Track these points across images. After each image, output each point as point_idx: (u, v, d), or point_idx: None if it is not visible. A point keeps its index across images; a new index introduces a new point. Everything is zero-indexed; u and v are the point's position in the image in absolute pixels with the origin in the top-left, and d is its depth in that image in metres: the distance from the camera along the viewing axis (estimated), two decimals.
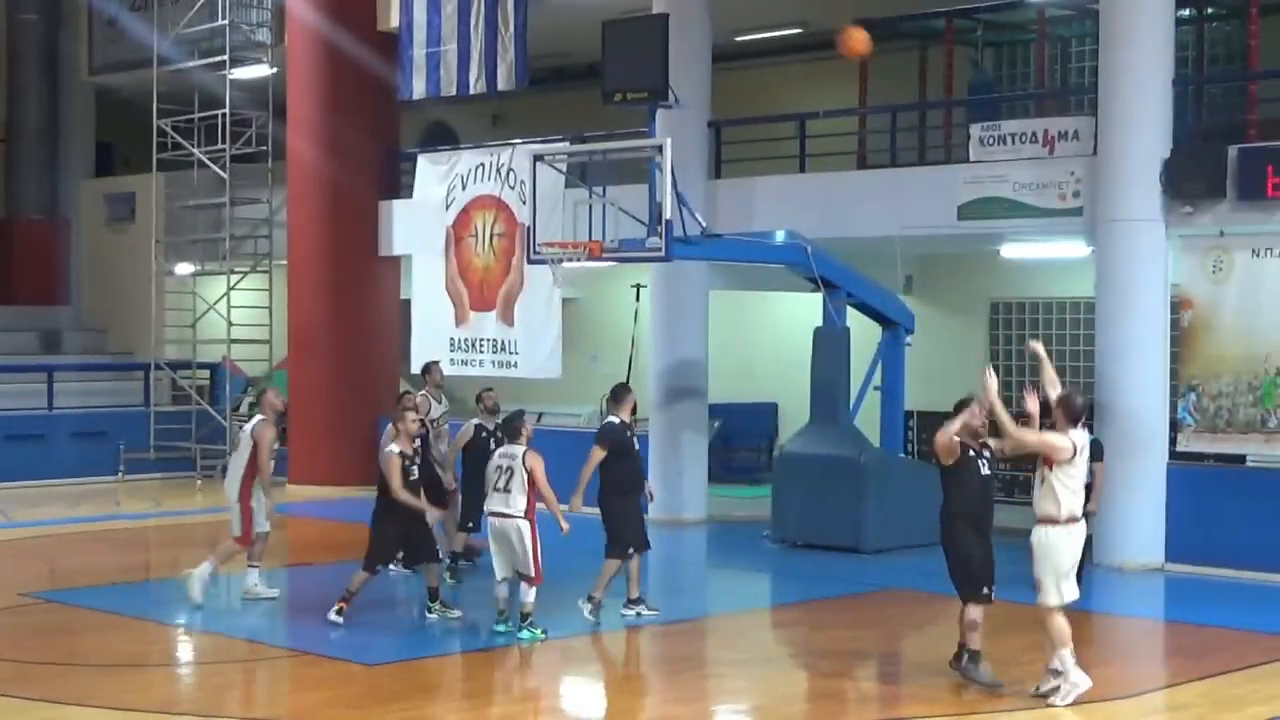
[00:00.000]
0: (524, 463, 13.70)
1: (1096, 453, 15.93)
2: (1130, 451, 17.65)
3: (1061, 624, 11.72)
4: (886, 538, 18.66)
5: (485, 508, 14.07)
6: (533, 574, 13.66)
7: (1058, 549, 11.71)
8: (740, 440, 25.93)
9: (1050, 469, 11.79)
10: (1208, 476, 18.17)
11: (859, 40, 13.86)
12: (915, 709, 11.72)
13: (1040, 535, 11.79)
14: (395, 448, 14.34)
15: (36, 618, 15.18)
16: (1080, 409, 12.10)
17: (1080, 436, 11.96)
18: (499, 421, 16.21)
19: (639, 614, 14.86)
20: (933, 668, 12.57)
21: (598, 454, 14.81)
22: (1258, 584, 16.84)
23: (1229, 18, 22.24)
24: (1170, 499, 17.78)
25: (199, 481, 26.12)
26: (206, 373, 28.20)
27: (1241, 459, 18.67)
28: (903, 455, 20.42)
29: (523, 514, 13.66)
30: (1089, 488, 16.10)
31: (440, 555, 15.22)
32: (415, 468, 14.52)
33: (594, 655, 13.98)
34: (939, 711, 11.55)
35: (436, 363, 19.13)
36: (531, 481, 13.64)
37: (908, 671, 13.16)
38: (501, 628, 13.93)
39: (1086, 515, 16.18)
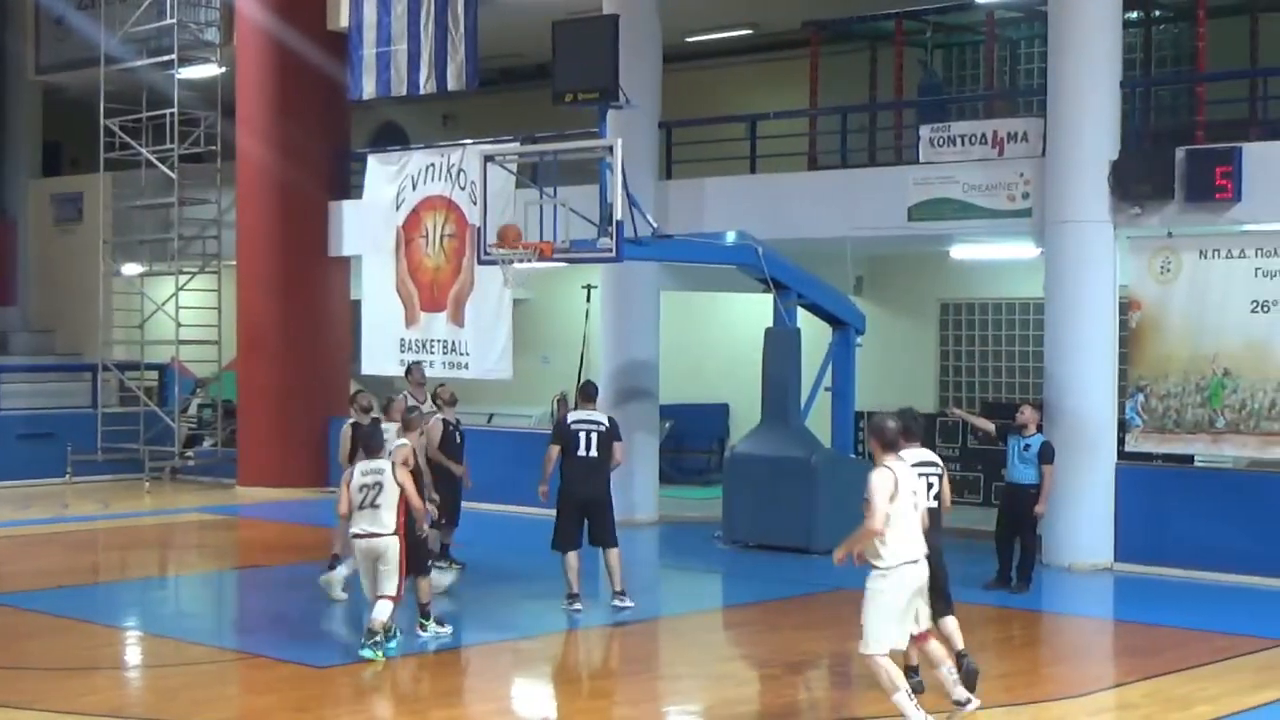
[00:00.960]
0: (394, 478, 13.15)
1: (1045, 455, 16.31)
2: (1079, 452, 17.74)
3: (888, 668, 10.74)
4: (837, 538, 18.43)
5: (351, 527, 13.25)
6: (394, 593, 13.09)
7: (877, 595, 10.70)
8: (691, 441, 25.94)
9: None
10: (1156, 476, 18.28)
11: None
12: (866, 710, 11.73)
13: (867, 580, 10.82)
14: (406, 440, 14.09)
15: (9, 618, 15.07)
16: (892, 433, 10.78)
17: (904, 462, 10.86)
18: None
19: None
20: None
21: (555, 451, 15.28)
22: (1206, 584, 16.95)
23: (1176, 20, 22.39)
24: (1119, 499, 17.88)
25: (147, 483, 25.95)
26: (155, 374, 28.04)
27: (1190, 459, 18.80)
28: (853, 456, 20.46)
29: (393, 532, 13.10)
30: (1038, 489, 16.13)
31: (428, 567, 14.37)
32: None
33: (545, 657, 13.95)
34: (889, 712, 11.55)
35: (419, 363, 19.10)
36: (403, 497, 13.12)
37: (859, 673, 13.16)
38: (393, 644, 13.25)
39: (1035, 516, 16.32)
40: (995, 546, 16.61)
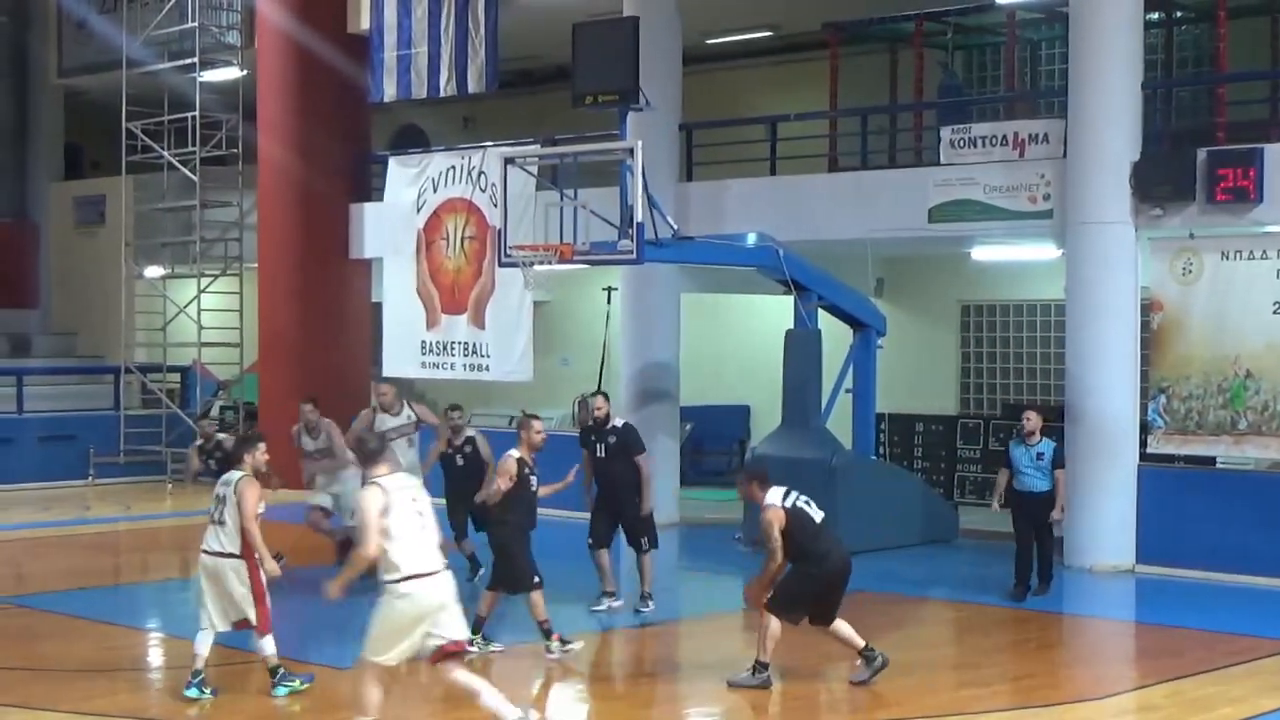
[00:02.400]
0: (235, 490, 11.78)
1: (1059, 461, 16.12)
2: (1101, 453, 17.70)
3: (372, 690, 10.47)
4: (857, 540, 18.49)
5: (202, 544, 12.04)
6: (255, 620, 11.87)
7: (383, 609, 10.32)
8: (712, 443, 25.93)
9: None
10: (1178, 478, 18.21)
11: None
12: (884, 712, 11.71)
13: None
14: (515, 453, 13.55)
15: (2, 622, 15.09)
16: (372, 450, 10.48)
17: (393, 479, 10.34)
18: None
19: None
20: (902, 670, 12.55)
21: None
22: (1227, 585, 16.88)
23: (1197, 21, 22.31)
24: (1141, 501, 17.82)
25: (169, 485, 26.00)
26: (177, 376, 28.10)
27: (1212, 461, 18.73)
28: (874, 458, 20.43)
29: (239, 552, 11.79)
30: (1052, 495, 15.93)
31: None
32: (534, 478, 13.56)
33: (564, 659, 13.92)
34: (908, 713, 11.55)
35: (387, 380, 18.79)
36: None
37: (880, 674, 13.14)
38: (194, 693, 11.91)
39: (1052, 523, 16.09)
40: (1017, 557, 16.29)
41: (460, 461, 16.21)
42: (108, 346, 28.90)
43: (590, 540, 15.53)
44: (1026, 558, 16.21)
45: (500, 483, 13.37)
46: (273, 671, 11.95)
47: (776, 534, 11.97)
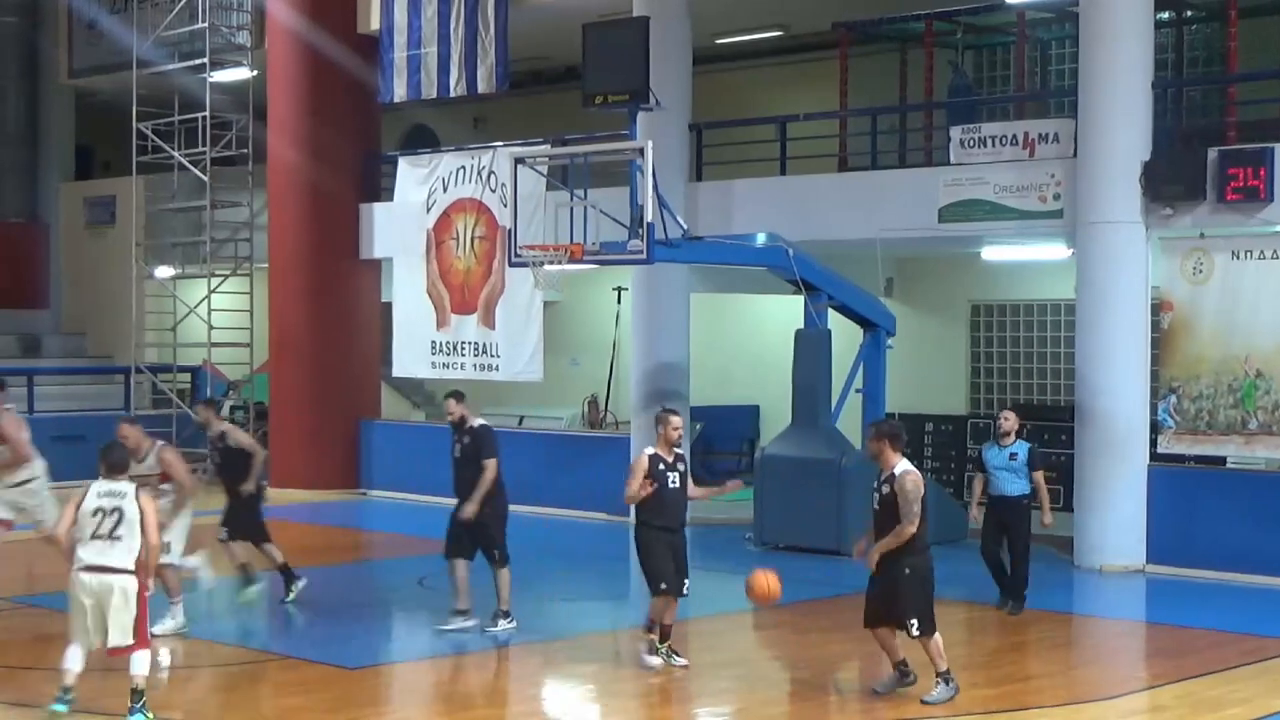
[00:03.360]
0: (136, 502, 11.18)
1: (1036, 462, 15.25)
2: (1111, 453, 17.70)
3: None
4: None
5: (79, 559, 11.22)
6: (134, 640, 11.16)
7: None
8: (721, 443, 25.92)
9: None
10: (1188, 478, 18.21)
11: (763, 590, 12.77)
12: (894, 712, 11.71)
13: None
14: (650, 450, 13.10)
15: (14, 622, 15.12)
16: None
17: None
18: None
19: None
20: (914, 670, 12.55)
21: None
22: (1238, 585, 16.87)
23: (1208, 20, 22.31)
24: (1151, 501, 17.81)
25: None
26: (187, 376, 28.12)
27: (1222, 461, 18.72)
28: None
29: (132, 569, 11.11)
30: (1030, 500, 15.11)
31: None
32: (674, 475, 13.00)
33: (575, 658, 13.92)
34: (919, 714, 11.55)
35: (128, 420, 15.35)
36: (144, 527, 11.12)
37: (890, 675, 13.13)
38: (62, 708, 11.25)
39: (1030, 531, 15.28)
40: (989, 568, 15.50)
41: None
42: (118, 347, 28.94)
43: (445, 550, 14.43)
44: (995, 565, 15.44)
45: (634, 483, 12.83)
46: (137, 694, 11.13)
47: (919, 500, 11.64)
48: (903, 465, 11.81)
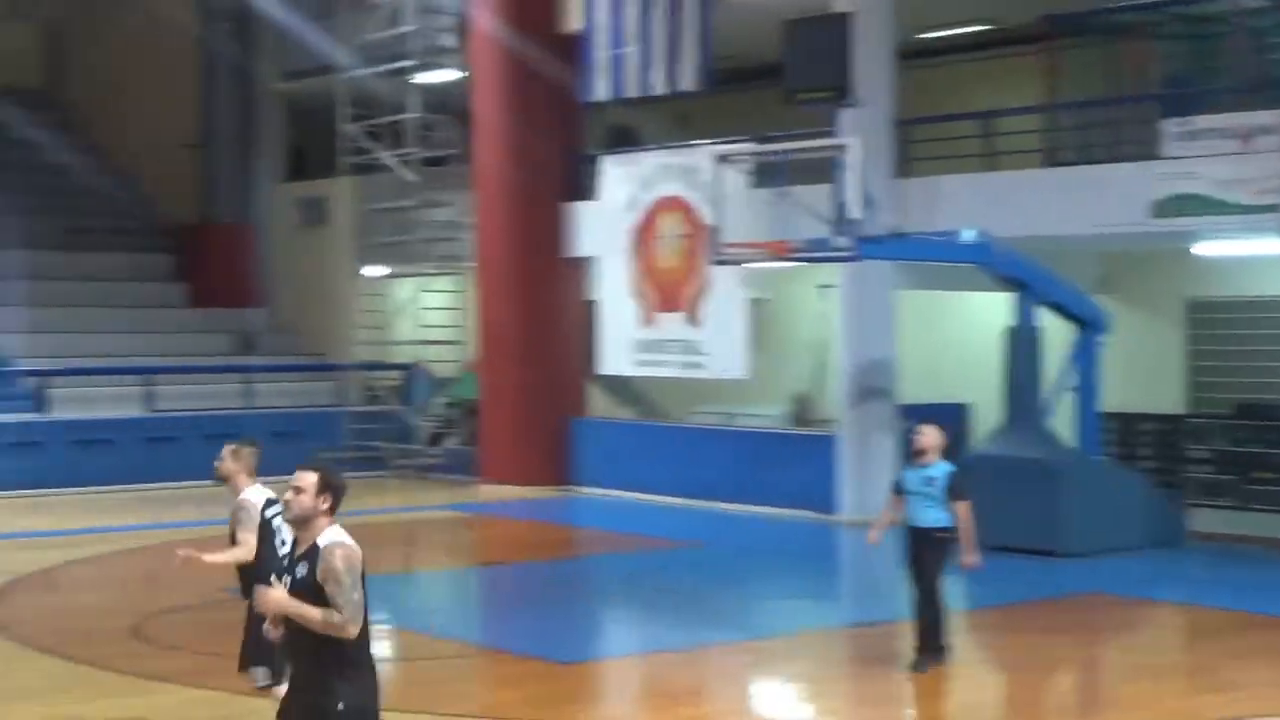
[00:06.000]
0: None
1: (956, 489, 12.70)
2: None
3: None
4: (1082, 541, 18.36)
5: None
6: None
7: None
8: None
9: None
10: None
11: None
12: (1117, 713, 11.52)
13: None
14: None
15: (237, 612, 15.46)
16: None
17: None
18: None
19: None
20: (1132, 674, 12.34)
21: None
22: None
23: None
24: None
25: (392, 482, 26.49)
26: (398, 373, 28.60)
27: None
28: (1099, 457, 20.07)
29: None
30: (948, 533, 12.67)
31: None
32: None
33: (786, 657, 13.92)
34: (1143, 718, 11.35)
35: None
36: None
37: (1107, 678, 12.93)
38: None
39: (961, 567, 12.86)
40: (915, 610, 12.84)
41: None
42: (331, 344, 29.53)
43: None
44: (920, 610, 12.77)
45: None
46: None
47: (357, 584, 7.41)
48: (332, 534, 7.48)
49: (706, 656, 13.79)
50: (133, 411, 26.00)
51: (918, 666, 12.55)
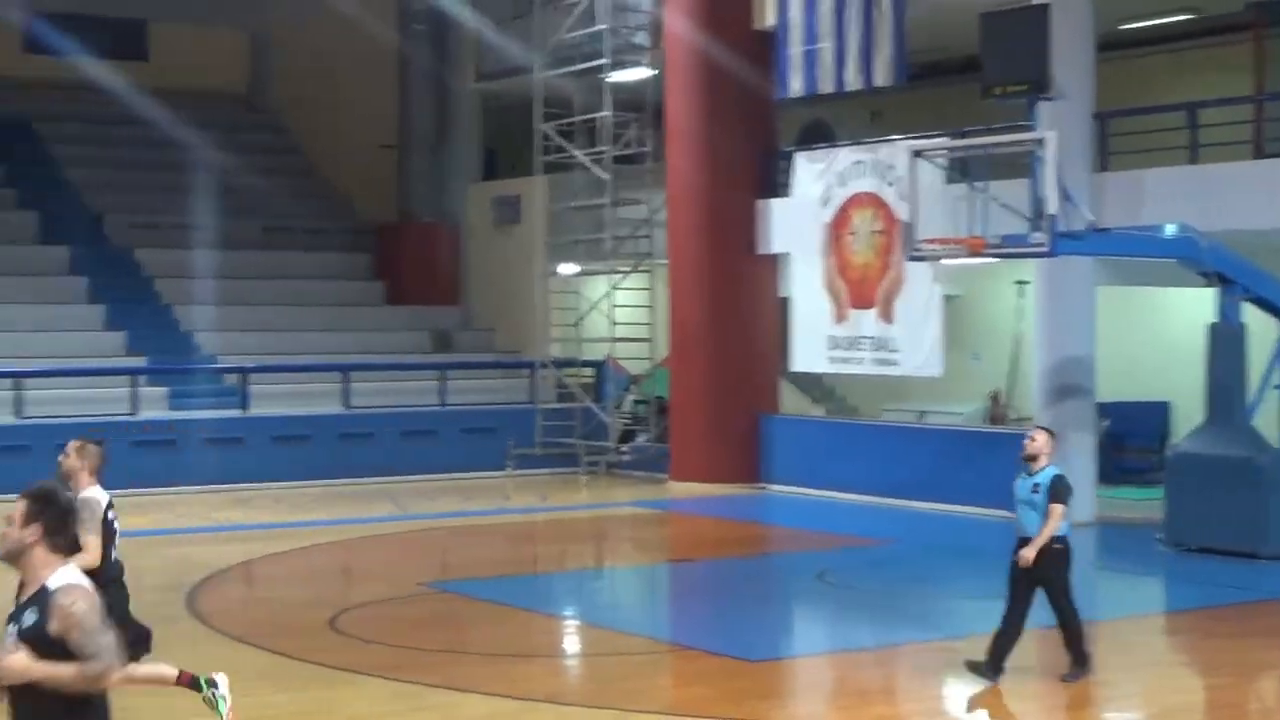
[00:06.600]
0: None
1: (1056, 492, 11.96)
2: None
3: None
4: None
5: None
6: None
7: None
8: (1130, 439, 25.12)
9: None
10: None
11: None
12: None
13: None
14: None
15: (432, 607, 15.68)
16: None
17: None
18: None
19: None
20: None
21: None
22: None
23: None
24: None
25: (584, 478, 26.62)
26: (591, 370, 28.74)
27: None
28: None
29: None
30: (1062, 543, 11.99)
31: None
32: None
33: (978, 657, 13.68)
34: None
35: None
36: None
37: None
38: None
39: (1056, 575, 12.01)
40: (1003, 623, 12.12)
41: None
42: (525, 342, 29.78)
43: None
44: (1005, 627, 12.11)
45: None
46: None
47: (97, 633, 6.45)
48: (63, 575, 6.07)
49: (897, 655, 13.62)
50: (330, 408, 26.45)
51: (1068, 677, 12.12)
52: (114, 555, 10.01)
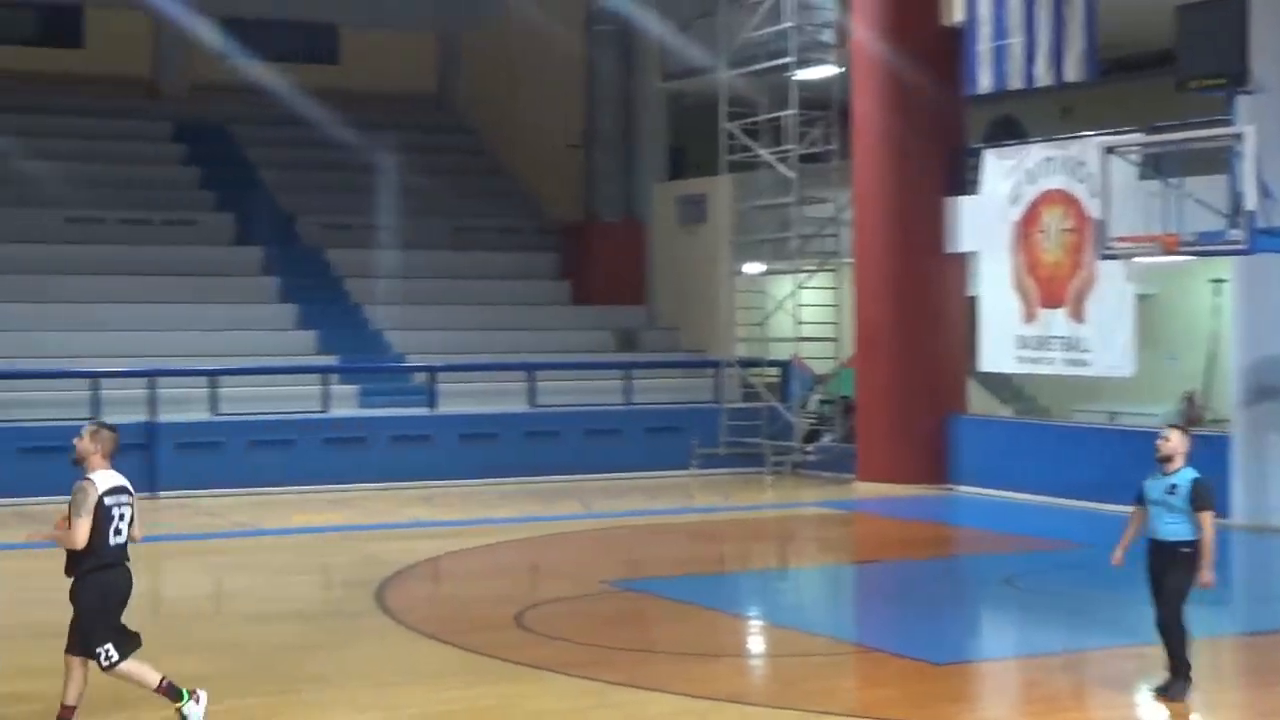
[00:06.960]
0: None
1: (1201, 499, 11.52)
2: None
3: None
4: None
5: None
6: None
7: None
8: None
9: None
10: None
11: None
12: None
13: None
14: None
15: (617, 605, 15.75)
16: None
17: None
18: None
19: None
20: None
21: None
22: None
23: None
24: None
25: (768, 478, 26.55)
26: (776, 370, 28.65)
27: None
28: None
29: None
30: (1192, 547, 11.54)
31: None
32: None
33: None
34: None
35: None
36: None
37: None
38: None
39: (1202, 585, 11.63)
40: (1160, 633, 11.79)
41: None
42: (709, 341, 29.77)
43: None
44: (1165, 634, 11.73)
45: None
46: None
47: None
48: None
49: (1087, 661, 13.39)
50: (516, 406, 26.69)
51: (1170, 693, 11.63)
52: (115, 540, 10.35)
